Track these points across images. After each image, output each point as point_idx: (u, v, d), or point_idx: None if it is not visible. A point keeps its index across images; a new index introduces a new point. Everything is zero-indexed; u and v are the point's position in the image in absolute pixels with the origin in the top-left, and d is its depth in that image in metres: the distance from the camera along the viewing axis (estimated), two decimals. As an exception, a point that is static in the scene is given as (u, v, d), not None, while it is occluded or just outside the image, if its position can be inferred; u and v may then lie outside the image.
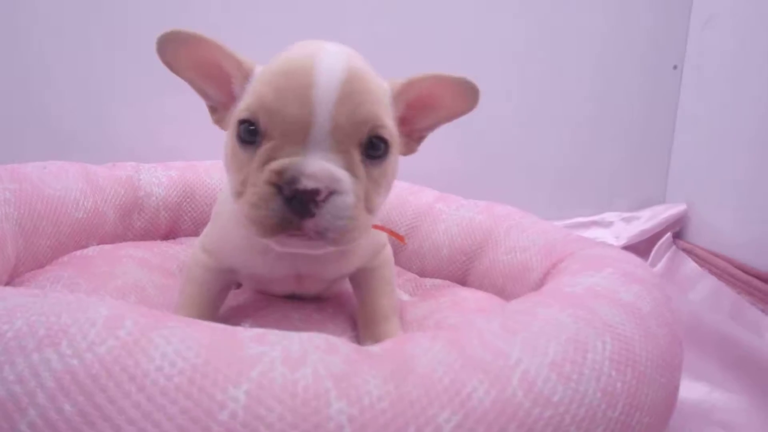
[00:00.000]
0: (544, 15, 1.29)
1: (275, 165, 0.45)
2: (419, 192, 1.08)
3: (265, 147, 0.47)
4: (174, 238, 1.04)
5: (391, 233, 0.61)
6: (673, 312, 0.56)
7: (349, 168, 0.47)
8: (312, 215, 0.44)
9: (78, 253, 0.84)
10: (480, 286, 0.89)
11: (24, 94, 1.19)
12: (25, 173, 0.81)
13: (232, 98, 0.55)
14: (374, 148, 0.49)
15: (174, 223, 1.04)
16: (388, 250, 0.70)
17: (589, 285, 0.54)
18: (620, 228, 1.27)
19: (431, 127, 0.61)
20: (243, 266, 0.63)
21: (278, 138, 0.47)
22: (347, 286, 0.74)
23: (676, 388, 0.51)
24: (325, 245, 0.47)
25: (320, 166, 0.45)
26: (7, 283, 0.72)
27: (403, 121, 0.57)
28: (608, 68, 1.32)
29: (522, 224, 0.91)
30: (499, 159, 1.34)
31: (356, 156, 0.48)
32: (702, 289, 1.06)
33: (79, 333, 0.36)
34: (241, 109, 0.49)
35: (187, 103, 1.18)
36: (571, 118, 1.33)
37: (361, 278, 0.68)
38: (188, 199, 1.04)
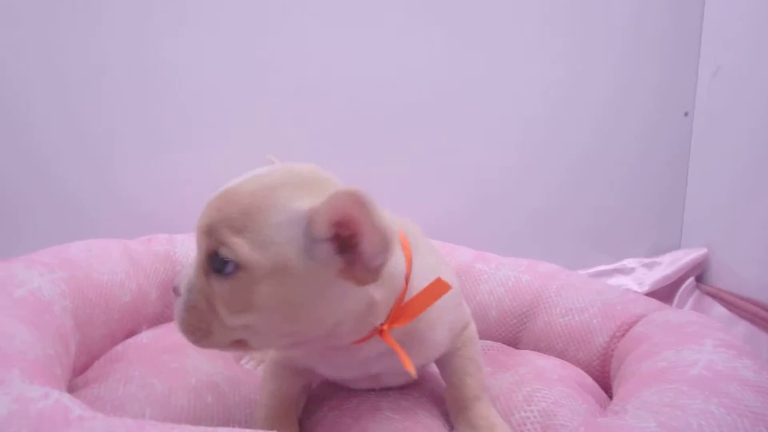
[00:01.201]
0: (557, 65, 1.33)
1: None
2: (455, 251, 1.08)
3: None
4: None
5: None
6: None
7: (201, 274, 0.51)
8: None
9: (131, 341, 0.80)
10: (536, 348, 0.88)
11: (24, 154, 1.16)
12: (72, 259, 0.78)
13: None
14: (214, 262, 0.49)
15: (212, 296, 1.00)
16: (471, 328, 0.70)
17: (707, 363, 0.55)
18: (641, 274, 1.30)
19: (376, 257, 0.48)
20: (315, 367, 0.64)
21: None
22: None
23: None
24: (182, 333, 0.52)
25: (182, 272, 0.53)
26: (71, 382, 0.68)
27: (343, 247, 0.49)
28: (620, 116, 1.36)
29: (572, 283, 0.91)
30: (519, 212, 1.36)
31: (206, 265, 0.50)
32: (736, 334, 1.08)
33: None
34: None
35: (198, 160, 1.21)
36: (587, 167, 1.36)
37: (445, 359, 0.68)
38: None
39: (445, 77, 1.32)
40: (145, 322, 0.86)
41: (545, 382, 0.70)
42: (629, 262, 1.33)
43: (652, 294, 1.27)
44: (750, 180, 1.17)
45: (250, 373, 0.77)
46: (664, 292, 1.28)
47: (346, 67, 1.29)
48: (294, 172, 0.52)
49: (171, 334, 0.83)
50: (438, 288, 0.55)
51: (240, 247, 0.47)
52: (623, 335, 0.78)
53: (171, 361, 0.72)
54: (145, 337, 0.82)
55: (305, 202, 0.49)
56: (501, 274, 0.98)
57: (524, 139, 1.35)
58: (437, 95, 1.32)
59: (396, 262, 0.55)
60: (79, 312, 0.73)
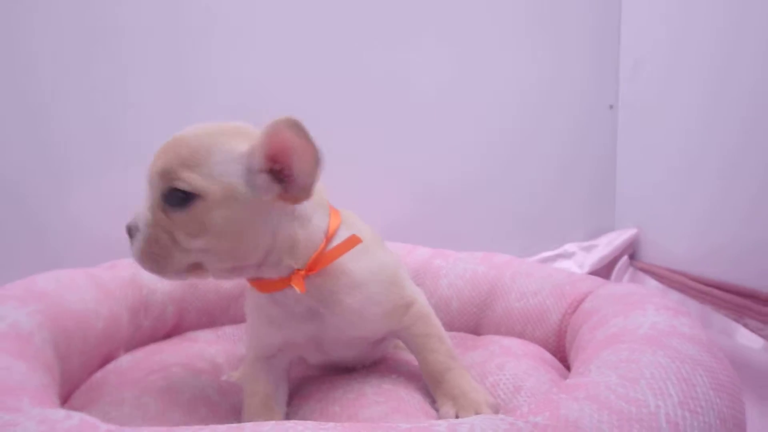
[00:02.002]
0: (488, 61, 1.42)
1: None
2: (413, 251, 1.13)
3: None
4: (180, 333, 1.02)
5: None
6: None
7: (151, 210, 0.61)
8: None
9: (111, 367, 0.81)
10: (497, 333, 0.95)
11: None
12: (43, 290, 0.78)
13: None
14: (169, 198, 0.59)
15: (180, 317, 1.01)
16: (418, 307, 0.74)
17: (651, 324, 0.62)
18: (582, 257, 1.40)
19: (309, 175, 0.59)
20: (272, 338, 0.70)
21: None
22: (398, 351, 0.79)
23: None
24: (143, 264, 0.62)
25: (135, 210, 0.62)
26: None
27: (278, 173, 0.60)
28: (551, 109, 1.47)
29: (524, 270, 0.99)
30: (467, 210, 1.44)
31: (158, 202, 0.60)
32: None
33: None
34: None
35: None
36: (523, 161, 1.46)
37: (403, 340, 0.74)
38: (192, 290, 1.03)
39: (383, 80, 1.37)
40: (120, 347, 0.87)
41: (513, 356, 0.77)
42: (570, 247, 1.44)
43: (592, 274, 1.37)
44: (673, 164, 1.29)
45: (233, 384, 0.79)
46: (603, 272, 1.39)
47: (302, 66, 1.31)
48: (229, 125, 0.64)
49: (150, 357, 0.85)
50: (350, 242, 0.64)
51: (195, 180, 0.58)
52: (574, 311, 0.85)
53: (158, 380, 0.73)
54: (125, 361, 0.83)
55: (244, 144, 0.60)
56: (459, 267, 1.04)
57: (465, 138, 1.43)
58: (380, 96, 1.37)
59: (319, 218, 0.67)
60: (59, 342, 0.73)
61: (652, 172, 1.37)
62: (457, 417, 0.63)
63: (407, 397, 0.69)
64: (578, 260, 1.40)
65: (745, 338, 1.06)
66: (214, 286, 1.04)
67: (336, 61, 1.34)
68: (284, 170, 0.60)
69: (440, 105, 1.41)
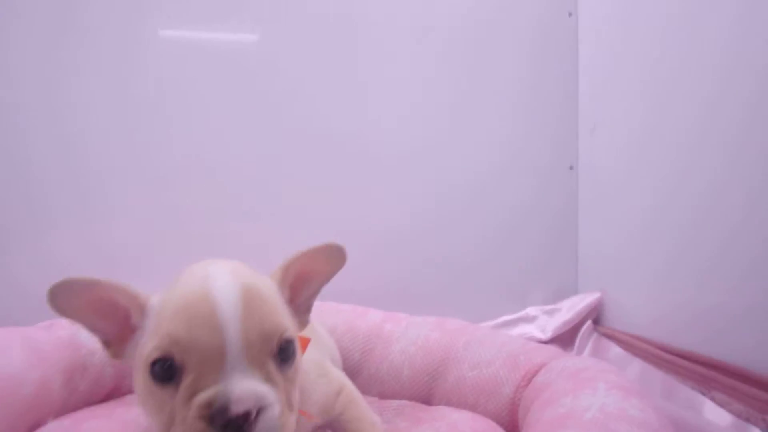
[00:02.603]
0: (453, 122, 1.42)
1: (201, 398, 0.46)
2: (365, 314, 1.09)
3: (186, 382, 0.47)
4: (119, 396, 0.97)
5: (303, 414, 0.62)
6: (663, 415, 0.62)
7: (268, 379, 0.49)
8: None
9: (36, 435, 0.74)
10: (448, 404, 0.91)
11: None
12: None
13: (129, 331, 0.55)
14: (284, 353, 0.52)
15: (119, 379, 0.96)
16: (347, 392, 0.72)
17: (600, 406, 0.59)
18: (544, 321, 1.37)
19: (314, 295, 0.63)
20: None
21: (196, 369, 0.47)
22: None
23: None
24: None
25: (245, 388, 0.46)
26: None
27: (290, 301, 0.60)
28: (513, 168, 1.46)
29: (478, 337, 0.95)
30: (426, 266, 1.41)
31: (271, 366, 0.50)
32: (631, 372, 1.16)
33: None
34: (151, 348, 0.49)
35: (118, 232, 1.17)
36: (484, 221, 1.44)
37: (334, 428, 0.70)
38: (132, 351, 0.97)
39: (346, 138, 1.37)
40: (51, 412, 0.81)
41: (461, 436, 0.73)
42: (531, 311, 1.40)
43: (555, 339, 1.34)
44: (635, 226, 1.28)
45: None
46: (566, 336, 1.35)
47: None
48: (236, 263, 0.58)
49: (78, 425, 0.80)
50: (303, 342, 0.61)
51: (291, 326, 0.54)
52: (527, 384, 0.81)
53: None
54: (53, 428, 0.76)
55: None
56: (411, 333, 1.00)
57: (422, 195, 1.42)
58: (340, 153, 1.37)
59: None
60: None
61: (613, 233, 1.36)
62: None
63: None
64: (540, 324, 1.36)
65: (713, 413, 1.02)
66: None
67: (305, 121, 1.34)
68: (298, 294, 0.61)
69: (404, 163, 1.40)
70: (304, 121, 1.34)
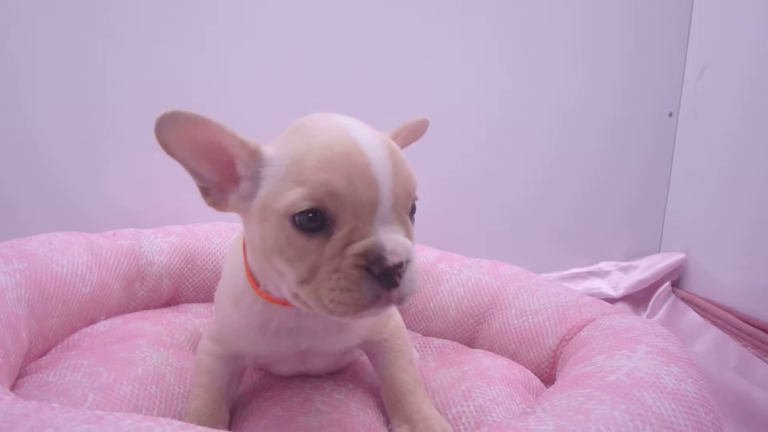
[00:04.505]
0: (537, 64, 1.32)
1: (357, 248, 0.47)
2: (419, 251, 1.08)
3: (340, 233, 0.48)
4: (176, 305, 1.03)
5: None
6: (710, 391, 0.56)
7: (408, 234, 0.51)
8: (397, 285, 0.48)
9: (88, 330, 0.82)
10: (491, 349, 0.89)
11: (17, 153, 1.17)
12: (32, 251, 0.80)
13: (232, 180, 0.54)
14: (413, 210, 0.53)
15: (176, 290, 1.02)
16: (396, 320, 0.71)
17: (630, 370, 0.55)
18: (617, 278, 1.29)
19: None
20: (247, 348, 0.64)
21: (351, 222, 0.48)
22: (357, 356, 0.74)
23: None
24: (402, 305, 0.50)
25: (398, 242, 0.48)
26: (25, 368, 0.71)
27: None
28: (603, 114, 1.35)
29: (530, 286, 0.91)
30: (494, 211, 1.36)
31: (409, 222, 0.52)
32: (706, 341, 1.08)
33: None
34: (297, 198, 0.48)
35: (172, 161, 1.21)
36: (566, 167, 1.35)
37: (373, 352, 0.69)
38: (189, 266, 1.03)
39: (416, 70, 1.30)
40: (104, 312, 0.88)
41: (486, 380, 0.71)
42: (605, 265, 1.33)
43: (626, 298, 1.26)
44: (734, 183, 1.15)
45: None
46: (640, 296, 1.27)
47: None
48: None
49: (127, 324, 0.86)
50: None
51: None
52: (571, 339, 0.78)
53: (120, 351, 0.73)
54: (102, 326, 0.83)
55: None
56: (462, 275, 0.98)
57: (501, 137, 1.35)
58: (405, 88, 1.30)
59: None
60: (35, 302, 0.74)
61: (707, 191, 1.23)
62: None
63: (357, 411, 0.65)
64: (612, 281, 1.28)
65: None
66: (211, 264, 1.03)
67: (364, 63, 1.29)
68: None
69: (474, 102, 1.33)
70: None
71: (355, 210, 0.48)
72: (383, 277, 0.47)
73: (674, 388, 0.53)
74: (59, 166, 1.21)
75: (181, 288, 1.02)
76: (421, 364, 0.80)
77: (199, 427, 0.40)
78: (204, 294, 1.04)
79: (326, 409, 0.64)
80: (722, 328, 1.09)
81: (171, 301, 1.03)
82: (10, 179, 1.19)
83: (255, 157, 0.53)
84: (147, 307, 0.98)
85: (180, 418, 0.66)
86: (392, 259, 0.47)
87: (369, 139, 0.50)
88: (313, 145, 0.50)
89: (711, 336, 1.08)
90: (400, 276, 0.48)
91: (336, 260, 0.48)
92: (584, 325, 0.78)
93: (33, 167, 1.20)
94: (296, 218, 0.48)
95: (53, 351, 0.78)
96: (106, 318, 0.88)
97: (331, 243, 0.48)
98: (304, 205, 0.47)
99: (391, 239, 0.48)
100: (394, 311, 0.71)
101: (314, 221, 0.48)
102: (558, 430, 0.45)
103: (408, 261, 0.48)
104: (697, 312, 1.17)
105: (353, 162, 0.48)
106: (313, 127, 0.52)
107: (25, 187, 1.20)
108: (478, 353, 0.83)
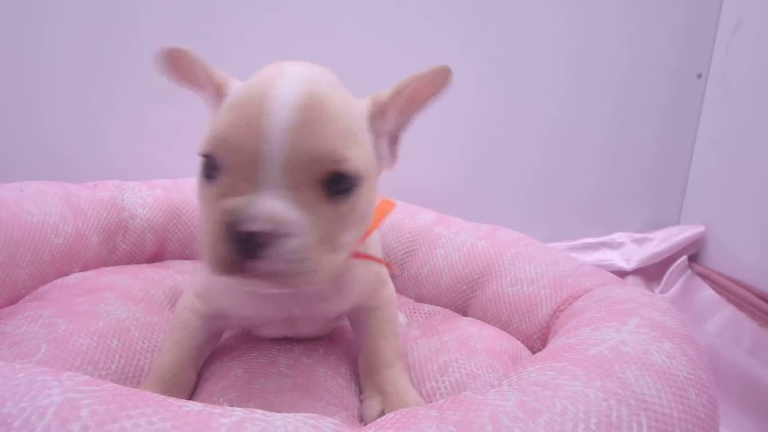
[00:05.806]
0: (563, 25, 1.23)
1: (225, 204, 0.42)
2: (417, 213, 1.02)
3: (220, 183, 0.44)
4: (160, 260, 0.99)
5: (384, 263, 0.60)
6: (709, 371, 0.51)
7: (307, 206, 0.43)
8: (260, 257, 0.41)
9: (59, 282, 0.79)
10: (483, 318, 0.83)
11: (8, 105, 1.14)
12: (1, 198, 0.76)
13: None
14: (337, 184, 0.44)
15: (160, 245, 0.99)
16: (390, 289, 0.66)
17: (615, 344, 0.49)
18: (630, 250, 1.22)
19: (405, 126, 0.56)
20: (233, 309, 0.60)
21: (232, 174, 0.43)
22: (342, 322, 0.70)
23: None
24: (280, 287, 0.44)
25: (266, 208, 0.42)
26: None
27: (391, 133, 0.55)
28: (627, 78, 1.25)
29: (528, 252, 0.85)
30: (504, 176, 1.28)
31: (314, 193, 0.44)
32: (719, 319, 1.01)
33: (26, 428, 0.31)
34: (202, 141, 0.45)
35: (174, 116, 1.17)
36: (580, 133, 1.27)
37: (360, 319, 0.64)
38: (175, 221, 0.99)
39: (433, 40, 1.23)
40: (80, 264, 0.85)
41: (466, 351, 0.66)
42: (619, 236, 1.25)
43: (639, 271, 1.20)
44: (763, 154, 1.06)
45: (164, 322, 0.74)
46: (654, 270, 1.20)
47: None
48: (320, 70, 0.50)
49: (101, 276, 0.83)
50: (384, 206, 0.60)
51: (358, 159, 0.45)
52: (565, 309, 0.72)
53: (83, 303, 0.70)
54: (74, 278, 0.80)
55: (359, 100, 0.51)
56: (458, 239, 0.92)
57: (513, 102, 1.27)
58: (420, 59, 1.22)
59: None
60: (1, 251, 0.72)
61: (733, 160, 1.13)
62: (382, 413, 0.55)
63: (324, 378, 0.60)
64: (625, 253, 1.21)
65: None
66: (197, 219, 0.99)
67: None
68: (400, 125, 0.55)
69: (490, 68, 1.24)
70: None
71: (236, 161, 0.43)
72: (244, 244, 0.41)
73: (663, 365, 0.47)
74: (53, 119, 1.17)
75: (166, 243, 0.99)
76: (403, 333, 0.75)
77: (106, 384, 0.36)
78: (191, 250, 1.01)
79: (289, 372, 0.60)
80: (738, 306, 1.02)
81: (156, 256, 0.99)
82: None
83: (221, 92, 0.50)
84: (129, 262, 0.95)
85: (142, 374, 0.63)
86: (249, 226, 0.41)
87: (287, 90, 0.44)
88: (241, 88, 0.47)
89: (726, 314, 1.01)
90: (262, 247, 0.41)
91: (210, 211, 0.44)
92: (581, 296, 0.72)
93: (28, 120, 1.17)
94: (202, 162, 0.45)
95: (21, 301, 0.75)
96: (82, 270, 0.85)
97: (211, 191, 0.44)
98: (202, 149, 0.45)
99: (262, 204, 0.41)
100: (387, 279, 0.66)
101: (211, 168, 0.44)
102: (518, 405, 0.40)
103: (282, 235, 0.41)
104: (713, 288, 1.09)
105: (249, 111, 0.43)
106: (263, 69, 0.49)
107: (19, 140, 1.17)
108: (463, 321, 0.78)
